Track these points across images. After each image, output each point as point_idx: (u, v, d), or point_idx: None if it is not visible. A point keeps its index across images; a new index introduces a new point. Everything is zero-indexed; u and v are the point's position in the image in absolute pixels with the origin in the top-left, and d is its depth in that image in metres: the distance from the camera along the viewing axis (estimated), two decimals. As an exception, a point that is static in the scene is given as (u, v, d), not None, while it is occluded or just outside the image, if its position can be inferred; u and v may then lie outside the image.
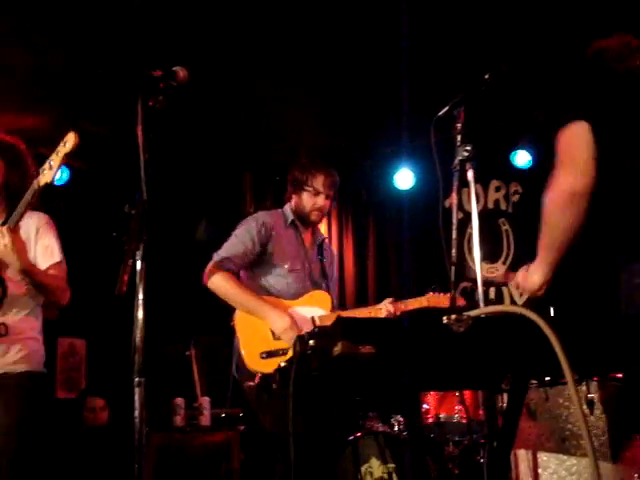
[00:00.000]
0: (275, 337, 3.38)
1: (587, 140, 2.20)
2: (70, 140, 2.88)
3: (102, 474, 4.99)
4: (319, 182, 3.55)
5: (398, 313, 3.38)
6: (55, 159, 2.91)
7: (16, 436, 3.01)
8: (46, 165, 2.93)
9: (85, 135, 3.09)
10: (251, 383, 3.34)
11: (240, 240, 3.52)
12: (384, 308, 3.42)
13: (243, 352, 3.40)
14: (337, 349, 1.34)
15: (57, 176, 6.19)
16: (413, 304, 3.47)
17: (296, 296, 3.50)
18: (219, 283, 3.45)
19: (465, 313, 1.42)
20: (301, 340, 1.71)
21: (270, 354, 3.32)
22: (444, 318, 1.40)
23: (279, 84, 5.20)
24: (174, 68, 2.44)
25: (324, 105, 5.56)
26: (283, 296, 3.50)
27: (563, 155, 2.25)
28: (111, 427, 5.42)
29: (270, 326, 3.39)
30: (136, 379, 2.11)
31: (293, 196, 3.66)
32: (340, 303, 6.49)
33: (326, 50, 4.87)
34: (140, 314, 2.17)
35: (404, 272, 6.12)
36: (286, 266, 3.54)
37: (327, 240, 3.91)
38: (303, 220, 3.65)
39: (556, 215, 2.28)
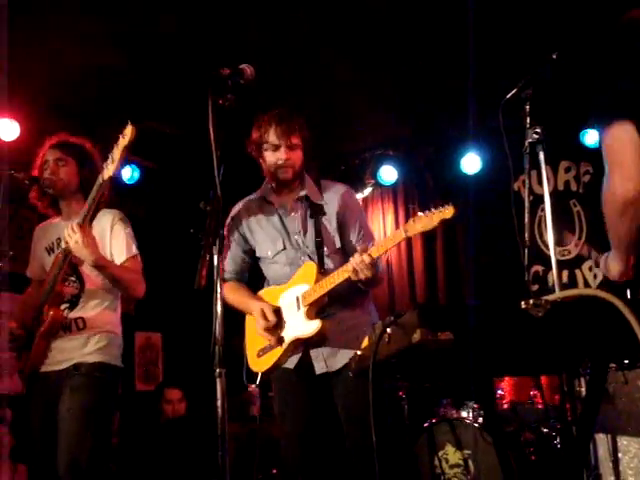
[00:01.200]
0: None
1: (632, 141, 2.01)
2: (128, 133, 2.94)
3: (182, 464, 5.10)
4: (272, 135, 3.14)
5: (367, 260, 2.83)
6: (116, 152, 2.98)
7: (79, 421, 3.05)
8: (109, 160, 3.02)
9: (154, 135, 3.17)
10: (253, 386, 3.22)
11: (226, 246, 3.28)
12: (351, 262, 2.89)
13: (247, 355, 3.27)
14: (416, 336, 1.34)
15: (126, 170, 6.37)
16: (389, 242, 2.90)
17: (290, 278, 3.19)
18: (225, 298, 3.10)
19: (543, 297, 1.41)
20: (377, 329, 1.72)
21: (264, 350, 3.17)
22: (522, 303, 1.39)
23: (342, 71, 5.19)
24: (241, 66, 2.48)
25: (388, 91, 5.52)
26: (281, 282, 3.22)
27: (609, 158, 2.09)
28: (189, 418, 5.54)
29: None
30: (217, 370, 2.16)
31: (261, 163, 3.26)
32: (410, 288, 6.52)
33: (390, 34, 4.82)
34: (219, 307, 2.21)
35: (472, 256, 6.06)
36: (269, 253, 3.25)
37: (321, 189, 3.31)
38: (279, 184, 3.24)
39: (614, 220, 2.10)
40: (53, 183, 3.29)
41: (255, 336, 3.21)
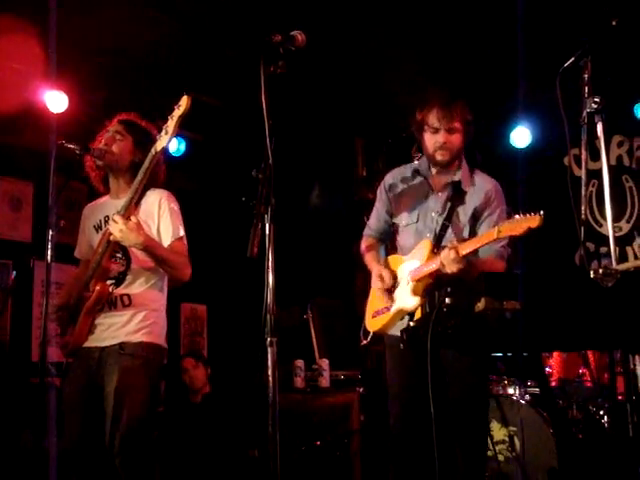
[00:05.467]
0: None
1: None
2: (183, 103, 2.96)
3: (225, 435, 5.15)
4: (434, 117, 3.20)
5: (452, 255, 2.84)
6: (170, 124, 3.00)
7: (127, 400, 3.04)
8: (163, 131, 3.04)
9: (199, 106, 3.15)
10: (364, 341, 3.35)
11: (375, 204, 3.54)
12: (440, 257, 2.91)
13: (366, 312, 3.41)
14: (480, 305, 1.30)
15: (173, 142, 6.37)
16: (480, 240, 2.89)
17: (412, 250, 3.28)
18: (360, 250, 3.53)
19: (613, 267, 1.35)
20: (432, 299, 1.68)
21: (377, 312, 3.30)
22: (592, 273, 1.34)
23: (389, 44, 5.11)
24: (292, 33, 2.45)
25: (435, 64, 5.43)
26: (405, 252, 3.32)
27: None
28: (236, 389, 5.58)
29: None
30: (268, 339, 2.15)
31: (421, 141, 3.36)
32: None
33: (437, 5, 4.73)
34: (271, 276, 2.21)
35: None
36: (403, 222, 3.36)
37: (472, 179, 3.36)
38: (435, 164, 3.34)
39: None
40: (103, 154, 3.28)
41: (375, 297, 3.34)
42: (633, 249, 5.89)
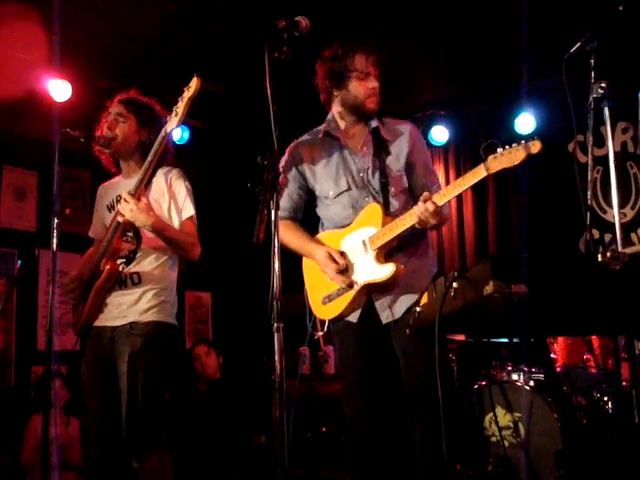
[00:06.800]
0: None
1: None
2: (193, 84, 2.97)
3: (230, 421, 5.17)
4: (363, 61, 3.01)
5: (431, 208, 2.70)
6: (180, 105, 3.01)
7: (141, 381, 3.07)
8: (172, 113, 3.05)
9: (202, 94, 3.14)
10: (320, 333, 3.10)
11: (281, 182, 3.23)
12: (416, 213, 2.75)
13: (310, 301, 3.15)
14: (488, 288, 1.29)
15: (176, 130, 6.35)
16: (465, 182, 2.69)
17: (351, 221, 3.04)
18: (280, 236, 3.19)
19: (621, 250, 1.35)
20: (438, 284, 1.68)
21: (330, 297, 3.03)
22: (599, 256, 1.33)
23: (393, 32, 5.09)
24: (296, 18, 2.45)
25: (440, 51, 5.41)
26: (340, 224, 3.08)
27: None
28: (242, 376, 5.58)
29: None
30: (275, 325, 2.15)
31: (335, 95, 3.10)
32: (460, 252, 6.43)
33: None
34: (277, 261, 2.21)
35: (525, 219, 5.95)
36: (331, 193, 3.07)
37: (387, 125, 3.12)
38: (358, 114, 3.08)
39: None
40: (108, 142, 3.28)
41: (317, 282, 3.11)
42: (637, 235, 5.88)
